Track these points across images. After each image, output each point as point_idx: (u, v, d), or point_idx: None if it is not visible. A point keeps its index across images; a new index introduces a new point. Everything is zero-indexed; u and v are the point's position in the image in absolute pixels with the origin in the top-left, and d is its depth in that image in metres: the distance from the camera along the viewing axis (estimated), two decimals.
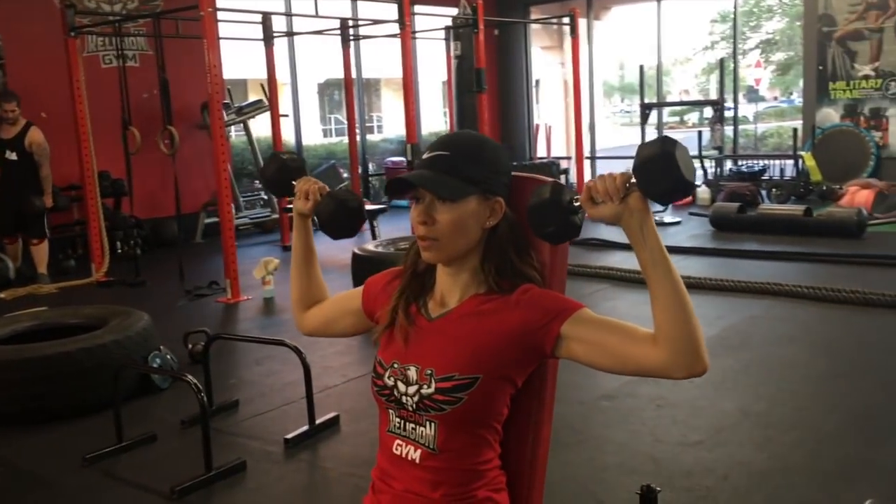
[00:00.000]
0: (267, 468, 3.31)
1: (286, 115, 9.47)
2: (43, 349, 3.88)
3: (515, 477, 1.54)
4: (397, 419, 1.48)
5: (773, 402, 3.77)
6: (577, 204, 1.30)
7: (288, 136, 10.08)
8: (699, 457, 3.20)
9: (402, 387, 1.46)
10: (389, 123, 18.65)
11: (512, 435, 1.52)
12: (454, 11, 9.44)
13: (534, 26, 13.39)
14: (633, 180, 1.24)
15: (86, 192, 7.23)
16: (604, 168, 13.05)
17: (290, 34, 9.66)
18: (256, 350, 4.81)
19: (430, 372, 1.43)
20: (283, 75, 10.72)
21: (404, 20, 7.28)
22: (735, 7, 12.34)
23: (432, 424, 1.43)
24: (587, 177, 11.84)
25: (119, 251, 7.88)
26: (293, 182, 1.69)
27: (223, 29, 8.99)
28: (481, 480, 1.45)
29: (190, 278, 6.92)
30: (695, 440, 3.36)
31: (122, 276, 7.18)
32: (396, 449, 1.47)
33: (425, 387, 1.43)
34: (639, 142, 11.63)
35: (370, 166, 11.83)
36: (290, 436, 3.48)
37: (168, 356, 4.32)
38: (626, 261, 6.99)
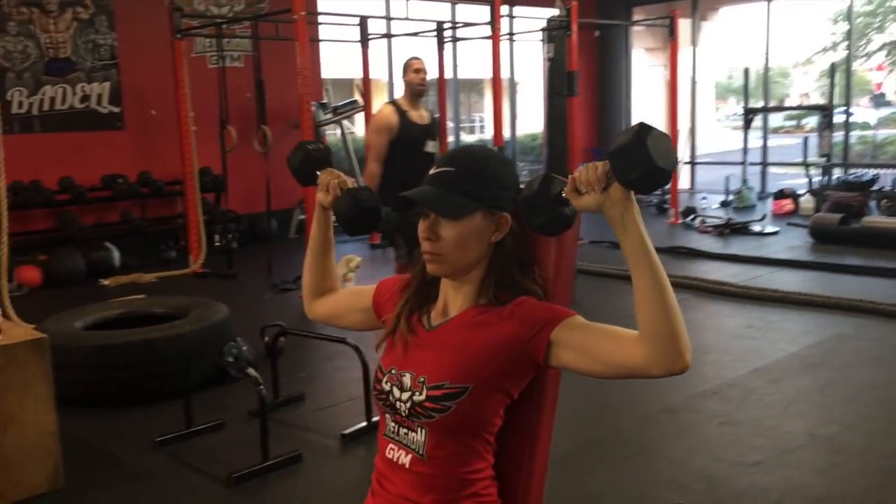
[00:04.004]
0: (322, 461, 3.41)
1: None
2: (126, 336, 4.11)
3: (510, 488, 1.55)
4: (392, 423, 1.52)
5: (844, 426, 3.61)
6: (564, 196, 1.30)
7: None
8: (755, 479, 3.10)
9: (396, 392, 1.50)
10: (491, 124, 18.69)
11: (508, 446, 1.54)
12: (554, 12, 9.36)
13: (638, 27, 13.17)
14: None
15: (186, 187, 7.58)
16: (705, 174, 12.72)
17: (386, 36, 9.83)
18: (329, 346, 4.93)
19: (422, 379, 1.46)
20: (383, 76, 10.94)
21: (495, 23, 7.30)
22: (850, 7, 11.79)
23: (423, 431, 1.46)
24: (682, 184, 11.56)
25: (217, 244, 8.23)
26: (317, 172, 1.68)
27: (323, 31, 9.26)
28: (469, 489, 1.47)
29: (278, 273, 7.15)
30: (754, 461, 3.26)
31: (217, 268, 7.49)
32: (389, 453, 1.51)
33: (417, 394, 1.46)
34: (741, 146, 11.27)
35: None
36: (347, 431, 3.58)
37: (244, 348, 4.49)
38: (712, 271, 6.82)
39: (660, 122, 13.72)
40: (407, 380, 1.49)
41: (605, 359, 1.36)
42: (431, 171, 1.51)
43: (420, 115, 4.61)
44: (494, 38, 7.38)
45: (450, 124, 12.45)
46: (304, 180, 1.73)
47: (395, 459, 1.50)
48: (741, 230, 8.79)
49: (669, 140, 1.21)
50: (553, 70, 9.02)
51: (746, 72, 11.57)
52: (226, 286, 6.93)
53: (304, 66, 6.11)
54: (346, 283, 6.35)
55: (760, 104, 12.39)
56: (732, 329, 5.15)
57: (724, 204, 10.50)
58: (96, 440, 3.69)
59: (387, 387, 1.52)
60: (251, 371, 3.32)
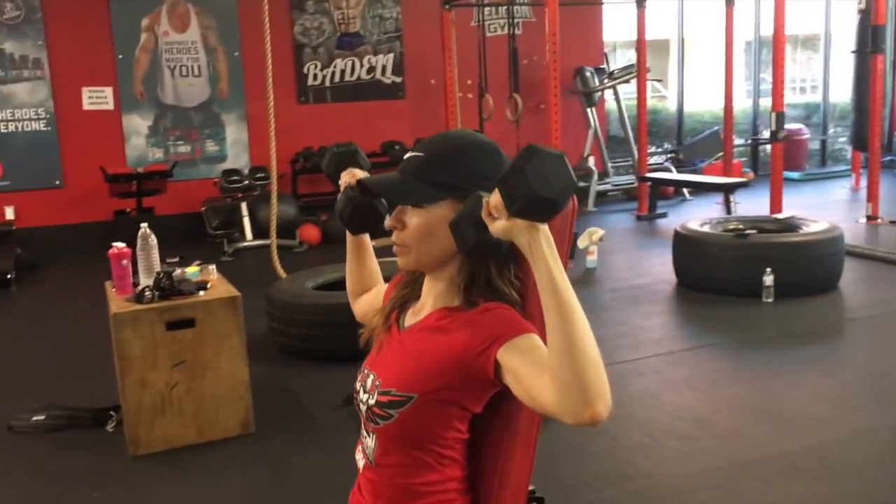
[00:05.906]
0: None
1: (658, 80, 9.15)
2: (338, 297, 4.38)
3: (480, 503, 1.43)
4: (362, 425, 1.48)
5: None
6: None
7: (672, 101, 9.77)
8: None
9: (362, 393, 1.45)
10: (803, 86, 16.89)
11: (480, 461, 1.42)
12: None
13: None
14: None
15: None
16: None
17: None
18: None
19: (378, 383, 1.40)
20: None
21: None
22: None
23: (373, 437, 1.41)
24: None
25: None
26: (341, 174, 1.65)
27: None
28: (420, 501, 1.38)
29: None
30: None
31: None
32: (357, 454, 1.48)
33: (371, 397, 1.40)
34: None
35: (763, 133, 10.94)
36: None
37: None
38: None
39: None
40: (369, 381, 1.43)
41: (529, 391, 1.19)
42: (405, 156, 1.43)
43: None
44: None
45: (746, 86, 11.59)
46: (337, 185, 1.69)
47: (357, 461, 1.47)
48: None
49: (561, 162, 1.05)
50: (863, 24, 7.98)
51: None
52: None
53: (552, 32, 6.00)
54: (589, 257, 6.21)
55: None
56: None
57: None
58: (299, 392, 4.01)
59: (357, 386, 1.47)
60: None
